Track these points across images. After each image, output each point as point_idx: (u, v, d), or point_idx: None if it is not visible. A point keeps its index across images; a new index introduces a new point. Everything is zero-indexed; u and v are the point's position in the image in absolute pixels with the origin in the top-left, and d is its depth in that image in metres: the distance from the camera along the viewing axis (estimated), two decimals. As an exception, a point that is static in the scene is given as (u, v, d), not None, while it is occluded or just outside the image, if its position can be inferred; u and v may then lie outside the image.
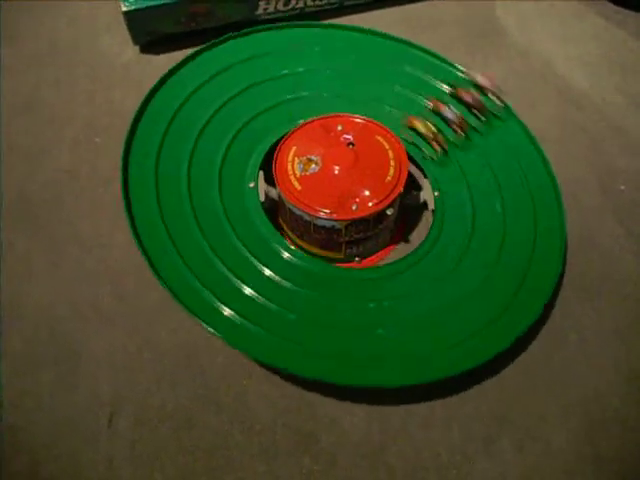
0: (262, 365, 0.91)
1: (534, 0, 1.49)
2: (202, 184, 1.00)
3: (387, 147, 0.97)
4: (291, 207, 0.93)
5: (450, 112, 1.08)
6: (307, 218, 0.92)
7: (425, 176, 1.05)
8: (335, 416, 0.88)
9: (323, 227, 0.92)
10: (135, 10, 1.27)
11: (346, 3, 1.42)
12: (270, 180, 0.98)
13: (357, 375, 0.85)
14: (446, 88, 1.14)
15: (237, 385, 0.90)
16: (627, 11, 1.46)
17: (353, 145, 0.98)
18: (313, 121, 1.02)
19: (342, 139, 0.99)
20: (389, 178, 0.93)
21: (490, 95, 1.10)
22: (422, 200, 1.02)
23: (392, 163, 0.95)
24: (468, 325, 0.89)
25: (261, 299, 0.89)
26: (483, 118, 1.10)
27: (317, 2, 1.39)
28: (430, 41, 1.21)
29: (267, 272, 0.92)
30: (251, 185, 1.00)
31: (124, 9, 1.27)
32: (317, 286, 0.93)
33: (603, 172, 1.15)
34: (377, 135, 0.99)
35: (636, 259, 1.04)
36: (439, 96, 1.12)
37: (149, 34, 1.34)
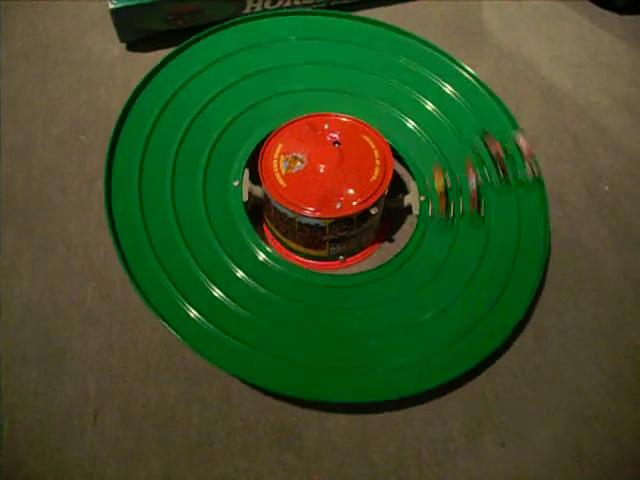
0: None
1: (520, 2, 1.50)
2: (186, 182, 1.00)
3: (373, 147, 0.98)
4: (275, 204, 0.93)
5: (474, 181, 1.03)
6: (291, 215, 0.92)
7: (414, 179, 1.05)
8: (317, 413, 0.88)
9: (307, 225, 0.93)
10: (122, 8, 1.27)
11: (333, 3, 1.42)
12: (256, 179, 0.98)
13: (332, 389, 0.85)
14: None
15: (221, 383, 0.91)
16: (612, 14, 1.47)
17: (339, 144, 0.98)
18: (300, 119, 1.02)
19: (328, 138, 0.99)
20: (374, 177, 0.93)
21: (526, 161, 1.04)
22: (406, 204, 1.03)
23: (378, 163, 0.95)
24: (450, 332, 0.90)
25: (231, 303, 0.90)
26: (502, 176, 1.04)
27: (304, 1, 1.39)
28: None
29: (240, 274, 0.92)
30: (235, 184, 1.00)
31: (111, 7, 1.26)
32: (292, 291, 0.93)
33: (587, 173, 1.16)
34: (363, 134, 1.00)
35: (620, 259, 1.05)
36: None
37: (136, 32, 1.34)
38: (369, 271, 0.97)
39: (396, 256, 0.97)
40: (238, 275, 0.92)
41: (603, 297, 1.00)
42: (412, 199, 1.02)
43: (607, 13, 1.47)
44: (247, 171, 1.01)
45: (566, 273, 1.02)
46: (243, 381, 0.89)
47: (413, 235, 0.99)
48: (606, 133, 1.22)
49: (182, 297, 0.88)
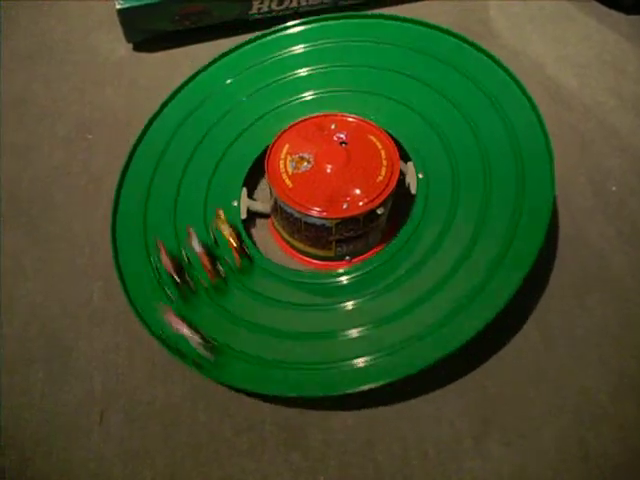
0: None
1: (526, 1, 1.50)
2: (190, 202, 1.04)
3: (380, 147, 0.97)
4: (282, 204, 0.93)
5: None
6: (297, 216, 0.92)
7: (409, 159, 1.04)
8: (324, 413, 0.88)
9: (313, 225, 0.93)
10: (129, 8, 1.27)
11: (340, 3, 1.42)
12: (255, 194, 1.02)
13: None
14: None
15: (227, 382, 0.91)
16: (619, 13, 1.46)
17: (346, 144, 0.98)
18: (307, 119, 1.02)
19: (335, 138, 0.99)
20: (381, 178, 0.93)
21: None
22: (407, 183, 1.02)
23: (384, 163, 0.95)
24: (439, 311, 0.89)
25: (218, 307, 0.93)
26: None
27: (311, 2, 1.39)
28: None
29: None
30: (234, 204, 1.03)
31: (118, 7, 1.27)
32: (278, 292, 0.95)
33: (594, 172, 1.16)
34: (370, 134, 0.99)
35: (626, 259, 1.04)
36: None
37: (143, 32, 1.34)
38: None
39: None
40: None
41: (609, 297, 1.00)
42: (410, 179, 1.01)
43: (613, 12, 1.46)
44: (245, 190, 1.04)
45: (572, 272, 1.02)
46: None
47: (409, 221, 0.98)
48: (613, 133, 1.22)
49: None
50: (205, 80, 1.17)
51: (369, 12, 1.21)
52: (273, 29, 1.20)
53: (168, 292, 0.94)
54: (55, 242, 1.05)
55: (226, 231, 0.97)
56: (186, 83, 1.16)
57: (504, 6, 1.49)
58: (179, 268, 0.95)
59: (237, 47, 1.19)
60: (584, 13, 1.47)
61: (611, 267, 1.03)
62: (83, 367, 0.92)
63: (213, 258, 0.96)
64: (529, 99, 1.02)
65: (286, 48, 1.19)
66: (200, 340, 0.87)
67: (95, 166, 1.14)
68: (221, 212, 0.99)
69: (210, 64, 1.18)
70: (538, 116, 0.99)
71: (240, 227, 1.00)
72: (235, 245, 0.95)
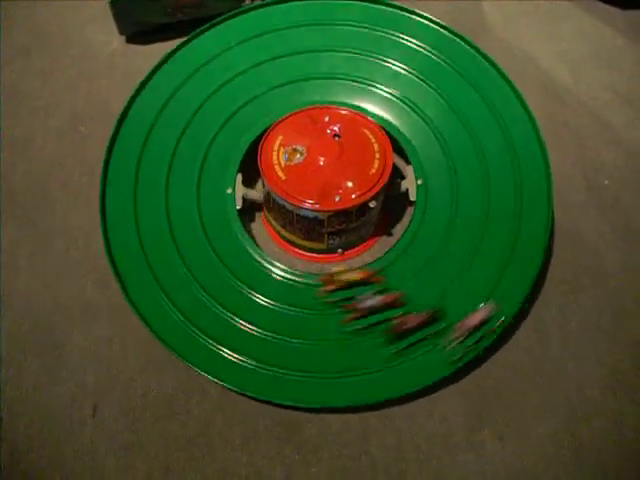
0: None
1: (521, -2, 1.50)
2: (180, 189, 1.01)
3: (373, 140, 0.97)
4: (274, 196, 0.93)
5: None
6: (290, 208, 0.92)
7: (409, 163, 1.04)
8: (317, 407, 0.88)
9: (306, 217, 0.93)
10: (121, 0, 1.27)
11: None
12: (248, 182, 1.00)
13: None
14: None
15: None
16: (614, 9, 1.46)
17: (339, 137, 0.98)
18: (300, 111, 1.02)
19: (328, 130, 0.99)
20: (373, 171, 0.93)
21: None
22: (404, 189, 1.02)
23: (377, 156, 0.95)
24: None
25: (219, 308, 0.91)
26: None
27: (304, -5, 1.38)
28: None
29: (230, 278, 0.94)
30: (229, 191, 1.00)
31: (110, -1, 1.27)
32: (287, 298, 0.93)
33: (588, 167, 1.16)
34: (363, 127, 0.99)
35: (620, 254, 1.04)
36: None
37: (136, 25, 1.34)
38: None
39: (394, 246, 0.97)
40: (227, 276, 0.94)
41: (603, 292, 1.00)
42: (409, 184, 1.01)
43: (609, 8, 1.46)
44: (240, 176, 1.02)
45: (566, 268, 1.02)
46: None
47: (410, 224, 0.99)
48: (607, 128, 1.22)
49: (167, 298, 0.91)
50: (190, 53, 1.10)
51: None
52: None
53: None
54: (49, 235, 1.05)
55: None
56: (170, 55, 1.08)
57: (499, 2, 1.49)
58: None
59: (226, 18, 1.15)
60: (579, 9, 1.47)
61: (605, 262, 1.03)
62: (76, 360, 0.92)
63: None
64: (527, 111, 1.03)
65: (285, 23, 1.14)
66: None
67: (89, 159, 1.14)
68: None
69: (196, 35, 1.11)
70: (535, 129, 1.01)
71: (236, 217, 0.98)
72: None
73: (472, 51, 1.09)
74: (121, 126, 1.01)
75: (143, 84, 1.04)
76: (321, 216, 0.91)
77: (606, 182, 1.13)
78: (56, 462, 0.84)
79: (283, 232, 1.01)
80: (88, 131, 1.19)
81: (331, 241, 0.98)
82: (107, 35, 1.37)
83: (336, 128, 0.99)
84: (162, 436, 0.86)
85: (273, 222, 1.02)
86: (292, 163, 0.94)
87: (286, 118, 1.00)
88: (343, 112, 1.02)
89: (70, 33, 1.39)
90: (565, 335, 0.96)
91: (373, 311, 0.89)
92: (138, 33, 1.36)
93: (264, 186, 0.97)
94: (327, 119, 1.00)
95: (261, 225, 1.08)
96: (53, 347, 0.94)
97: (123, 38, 1.37)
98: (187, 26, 1.28)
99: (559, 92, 1.28)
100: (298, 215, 0.93)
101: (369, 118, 1.01)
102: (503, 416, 0.88)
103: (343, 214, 0.92)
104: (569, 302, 0.99)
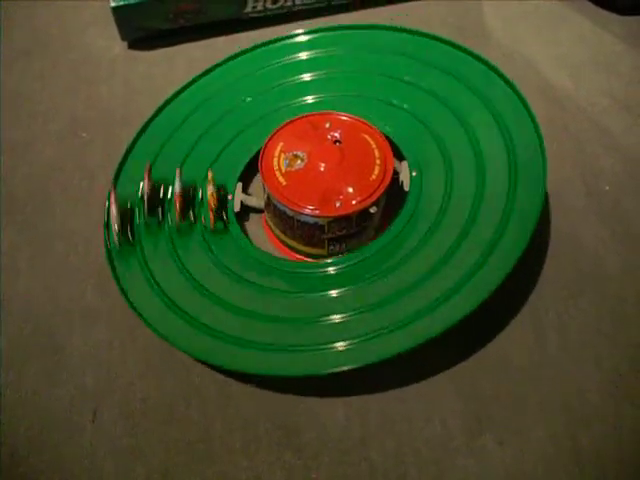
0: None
1: (521, 3, 1.50)
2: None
3: (374, 146, 0.98)
4: (275, 202, 0.93)
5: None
6: (290, 214, 0.93)
7: (403, 158, 1.04)
8: (317, 411, 0.88)
9: (306, 223, 0.93)
10: (123, 6, 1.28)
11: (334, 2, 1.43)
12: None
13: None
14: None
15: (220, 379, 0.91)
16: (613, 14, 1.47)
17: (340, 142, 0.99)
18: (301, 117, 1.02)
19: (329, 136, 0.99)
20: (374, 177, 0.93)
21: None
22: (400, 182, 1.02)
23: (378, 162, 0.95)
24: (424, 300, 0.89)
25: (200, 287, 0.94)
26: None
27: (306, 1, 1.39)
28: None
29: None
30: (229, 197, 1.03)
31: (112, 4, 1.27)
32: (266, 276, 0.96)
33: (587, 172, 1.16)
34: (364, 133, 1.00)
35: (619, 259, 1.04)
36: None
37: (137, 30, 1.34)
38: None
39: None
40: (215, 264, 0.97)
41: (603, 297, 1.00)
42: (403, 177, 1.01)
43: (607, 13, 1.47)
44: (240, 184, 1.05)
45: (566, 273, 1.02)
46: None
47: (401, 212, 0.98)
48: (606, 133, 1.22)
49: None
50: (206, 83, 1.19)
51: (368, 24, 1.22)
52: (277, 38, 1.23)
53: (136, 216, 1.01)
54: (49, 239, 1.05)
55: (209, 191, 1.00)
56: (192, 82, 1.18)
57: (498, 6, 1.49)
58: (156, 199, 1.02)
59: (243, 52, 1.22)
60: (578, 14, 1.47)
61: (605, 267, 1.03)
62: (76, 364, 0.92)
63: (187, 205, 1.02)
64: (522, 100, 1.04)
65: (289, 55, 1.21)
66: (118, 228, 0.96)
67: (89, 163, 1.14)
68: (210, 173, 1.02)
69: (214, 67, 1.20)
70: (531, 117, 1.00)
71: (234, 220, 1.01)
72: (213, 206, 0.99)
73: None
74: (136, 142, 1.10)
75: (167, 102, 1.15)
76: (321, 222, 0.92)
77: (606, 188, 1.13)
78: (55, 465, 0.84)
79: (283, 237, 1.01)
80: (88, 136, 1.19)
81: (332, 247, 0.98)
82: (108, 40, 1.37)
83: (337, 134, 0.99)
84: (162, 440, 0.86)
85: (274, 228, 1.03)
86: (293, 169, 0.94)
87: (287, 124, 1.01)
88: (344, 118, 1.02)
89: (71, 38, 1.40)
90: (565, 339, 0.96)
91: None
92: (140, 39, 1.36)
93: (265, 192, 0.97)
94: (328, 125, 1.01)
95: (261, 228, 1.08)
96: (53, 350, 0.94)
97: (125, 44, 1.37)
98: (189, 32, 1.29)
99: (559, 97, 1.29)
100: (299, 221, 0.93)
101: (370, 124, 1.01)
102: (503, 420, 0.88)
103: (344, 220, 0.92)
104: (569, 306, 0.99)
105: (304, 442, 0.86)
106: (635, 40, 1.40)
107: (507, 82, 1.06)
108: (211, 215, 1.00)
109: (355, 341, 0.86)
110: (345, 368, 0.83)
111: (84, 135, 1.19)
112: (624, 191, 1.13)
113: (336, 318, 0.89)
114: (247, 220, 1.09)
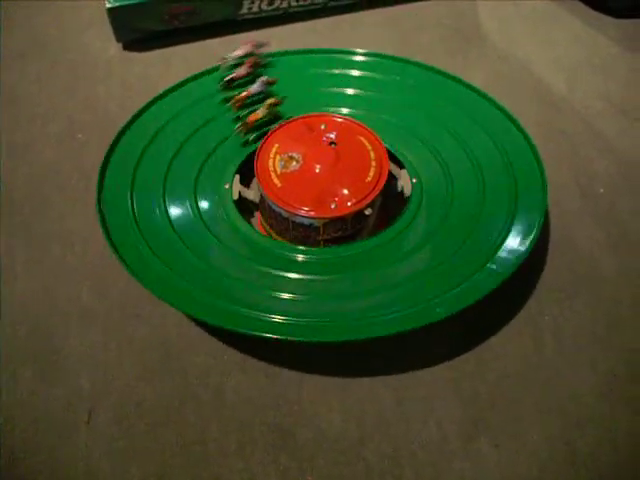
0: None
1: (516, 5, 1.50)
2: (178, 186, 1.03)
3: (369, 148, 0.98)
4: (270, 203, 0.93)
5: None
6: (285, 215, 0.93)
7: (402, 166, 1.05)
8: (312, 413, 0.88)
9: (301, 224, 0.93)
10: (118, 7, 1.28)
11: (330, 4, 1.43)
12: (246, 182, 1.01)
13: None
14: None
15: (216, 382, 0.91)
16: (608, 17, 1.47)
17: (335, 144, 0.98)
18: (297, 119, 1.02)
19: (324, 138, 0.99)
20: (369, 178, 0.93)
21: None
22: (400, 188, 1.03)
23: (373, 164, 0.96)
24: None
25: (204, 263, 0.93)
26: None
27: (301, 2, 1.39)
28: (412, 43, 1.21)
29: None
30: (226, 186, 1.02)
31: (108, 6, 1.28)
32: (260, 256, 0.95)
33: (582, 175, 1.16)
34: (359, 135, 1.00)
35: (614, 261, 1.05)
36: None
37: (133, 31, 1.35)
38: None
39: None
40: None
41: (598, 299, 1.00)
42: (404, 183, 1.02)
43: (602, 16, 1.47)
44: (237, 176, 1.04)
45: (562, 275, 1.03)
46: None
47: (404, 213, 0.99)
48: (601, 136, 1.23)
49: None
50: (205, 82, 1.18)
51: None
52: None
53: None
54: (46, 240, 1.05)
55: (262, 111, 1.07)
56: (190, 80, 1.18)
57: (495, 8, 1.50)
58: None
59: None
60: (574, 17, 1.48)
61: (600, 269, 1.04)
62: (72, 366, 0.92)
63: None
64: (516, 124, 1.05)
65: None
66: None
67: (86, 165, 1.14)
68: (274, 100, 1.09)
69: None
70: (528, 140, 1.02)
71: (232, 205, 1.01)
72: (254, 119, 1.07)
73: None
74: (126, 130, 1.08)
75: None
76: (317, 223, 0.92)
77: (601, 190, 1.13)
78: (51, 466, 0.84)
79: (279, 239, 1.01)
80: (85, 137, 1.19)
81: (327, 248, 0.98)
82: (104, 42, 1.38)
83: (332, 136, 0.99)
84: (157, 442, 0.85)
85: (269, 230, 1.02)
86: (288, 170, 0.94)
87: (282, 126, 1.01)
88: (339, 120, 1.02)
89: (68, 39, 1.40)
90: (560, 342, 0.96)
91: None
92: (135, 40, 1.36)
93: (260, 193, 0.97)
94: (323, 127, 1.01)
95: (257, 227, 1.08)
96: (50, 352, 0.94)
97: (120, 45, 1.37)
98: (183, 33, 1.29)
99: (554, 100, 1.29)
100: (294, 222, 0.93)
101: (365, 126, 1.01)
102: (499, 423, 0.88)
103: (339, 221, 0.92)
104: (564, 309, 0.99)
105: (300, 444, 0.86)
106: (630, 43, 1.41)
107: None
108: (249, 123, 1.06)
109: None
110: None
111: (80, 136, 1.19)
112: (619, 193, 1.14)
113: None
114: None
